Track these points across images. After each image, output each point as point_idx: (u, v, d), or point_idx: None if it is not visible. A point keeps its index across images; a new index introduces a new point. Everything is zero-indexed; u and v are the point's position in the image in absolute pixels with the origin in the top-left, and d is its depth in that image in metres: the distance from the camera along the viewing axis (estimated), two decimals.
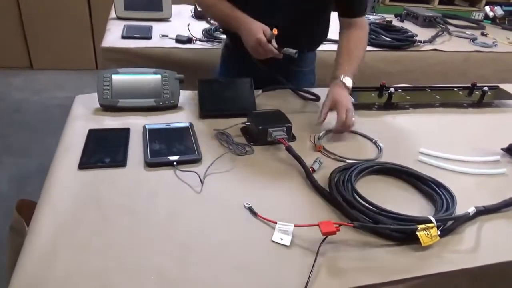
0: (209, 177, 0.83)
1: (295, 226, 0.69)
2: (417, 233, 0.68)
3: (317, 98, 1.19)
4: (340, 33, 1.19)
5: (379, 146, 1.00)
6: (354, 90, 1.23)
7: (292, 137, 0.99)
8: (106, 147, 0.89)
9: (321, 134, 1.02)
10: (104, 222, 0.69)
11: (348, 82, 1.06)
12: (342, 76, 1.06)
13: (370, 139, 1.04)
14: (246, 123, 1.00)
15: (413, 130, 1.10)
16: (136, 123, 0.99)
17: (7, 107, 2.70)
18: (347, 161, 0.93)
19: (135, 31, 1.71)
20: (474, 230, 0.75)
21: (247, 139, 0.97)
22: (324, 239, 0.66)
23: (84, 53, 3.27)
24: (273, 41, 1.05)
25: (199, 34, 1.73)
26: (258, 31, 1.03)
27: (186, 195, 0.78)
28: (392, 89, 1.20)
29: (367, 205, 0.75)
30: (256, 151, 0.94)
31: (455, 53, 1.90)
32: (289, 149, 0.90)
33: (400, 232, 0.70)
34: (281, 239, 0.68)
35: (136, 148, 0.90)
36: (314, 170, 0.87)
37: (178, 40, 1.65)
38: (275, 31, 1.01)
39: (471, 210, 0.76)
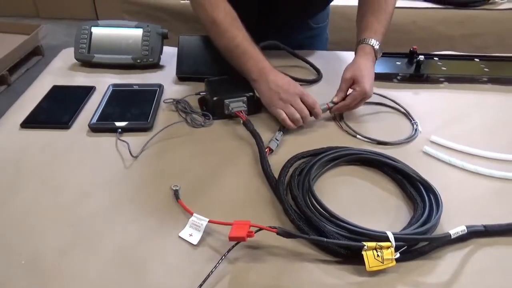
0: (151, 148, 0.73)
1: (209, 221, 0.56)
2: (363, 252, 0.51)
3: (318, 76, 0.96)
4: None
5: (417, 130, 0.79)
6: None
7: (257, 108, 0.82)
8: (59, 106, 0.83)
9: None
10: (8, 191, 0.63)
11: (376, 45, 0.84)
12: (370, 39, 0.84)
13: (409, 119, 0.83)
14: (202, 93, 0.85)
15: (438, 110, 0.86)
16: (108, 82, 0.91)
17: None
18: (358, 136, 0.77)
19: None
20: (460, 257, 0.54)
21: (206, 111, 0.82)
22: (235, 245, 0.52)
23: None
24: None
25: None
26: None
27: (114, 168, 0.68)
28: (421, 57, 0.94)
29: (315, 206, 0.58)
30: (215, 124, 0.80)
31: None
32: (246, 124, 0.74)
33: (343, 247, 0.53)
34: (190, 235, 0.56)
35: (93, 110, 0.82)
36: (271, 150, 0.71)
37: None
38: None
39: (460, 230, 0.55)
